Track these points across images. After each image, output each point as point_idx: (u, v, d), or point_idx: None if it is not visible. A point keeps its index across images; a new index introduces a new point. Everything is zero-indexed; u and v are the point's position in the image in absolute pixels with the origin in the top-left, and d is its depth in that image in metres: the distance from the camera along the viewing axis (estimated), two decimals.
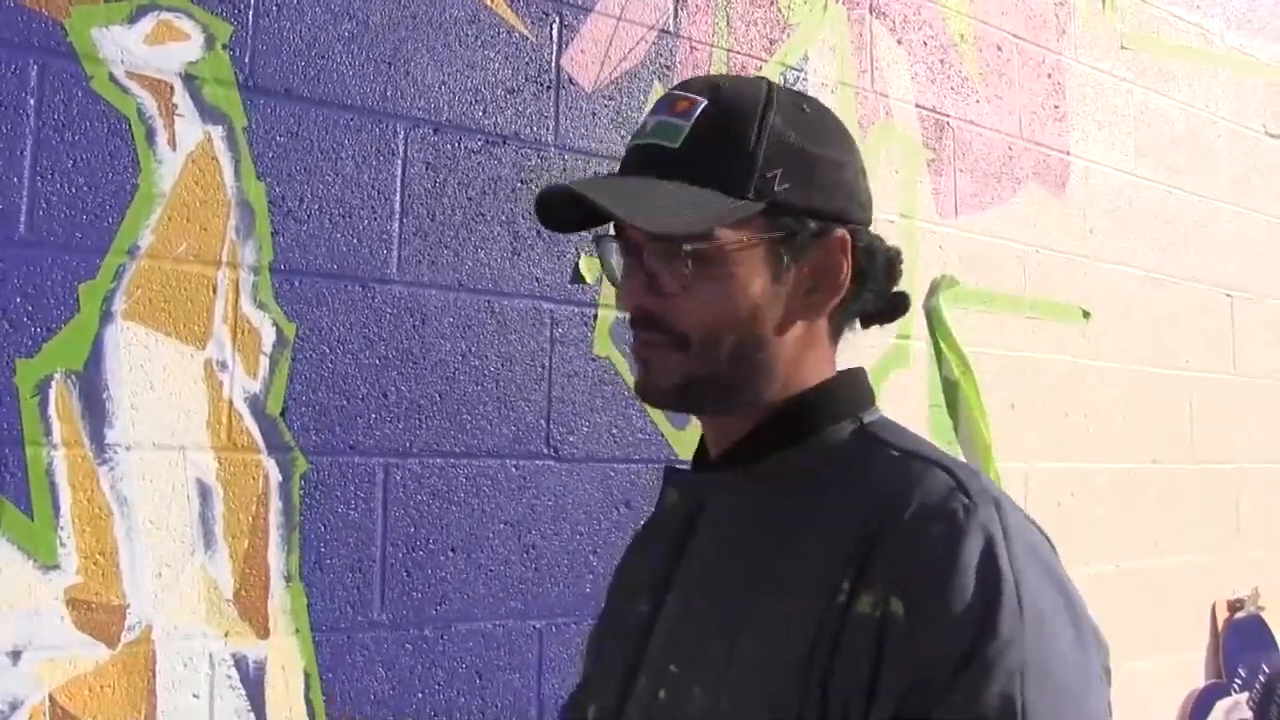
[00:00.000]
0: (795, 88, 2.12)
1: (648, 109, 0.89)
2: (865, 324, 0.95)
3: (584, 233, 0.94)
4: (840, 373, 0.91)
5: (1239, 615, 2.88)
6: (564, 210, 0.87)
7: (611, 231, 0.89)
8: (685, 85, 0.87)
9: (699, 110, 0.83)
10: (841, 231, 0.86)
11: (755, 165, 0.82)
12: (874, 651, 0.72)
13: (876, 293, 0.91)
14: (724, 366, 0.85)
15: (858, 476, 0.83)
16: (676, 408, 0.91)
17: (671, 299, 0.84)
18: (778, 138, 0.83)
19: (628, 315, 0.87)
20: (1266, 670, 2.92)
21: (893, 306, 0.94)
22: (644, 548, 0.98)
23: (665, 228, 0.80)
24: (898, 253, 0.92)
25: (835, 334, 0.91)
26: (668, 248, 0.83)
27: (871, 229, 0.91)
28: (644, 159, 0.84)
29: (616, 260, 0.89)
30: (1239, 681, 2.85)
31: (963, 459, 2.32)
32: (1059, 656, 0.72)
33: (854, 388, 0.91)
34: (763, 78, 0.91)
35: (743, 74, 2.05)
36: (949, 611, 0.71)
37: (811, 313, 0.87)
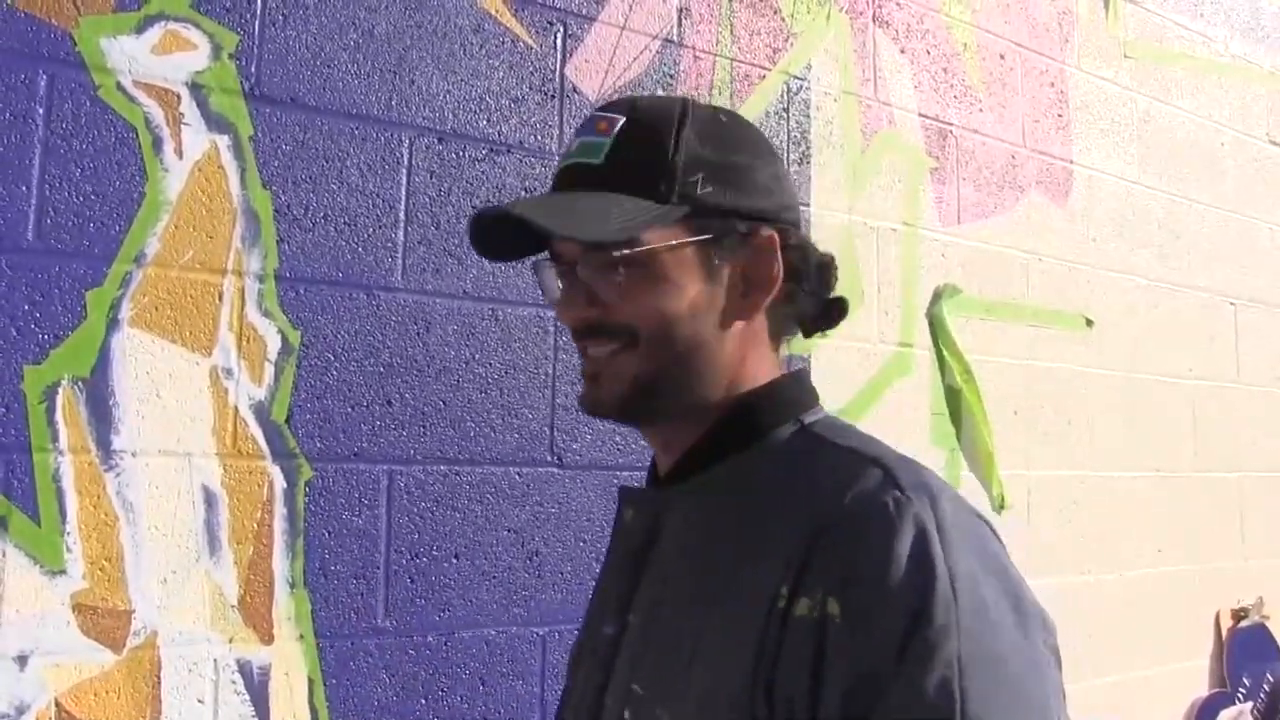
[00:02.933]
0: (798, 96, 2.13)
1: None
2: (806, 332, 0.97)
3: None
4: (782, 375, 0.92)
5: (1243, 624, 2.87)
6: (499, 236, 0.90)
7: (547, 256, 0.92)
8: (606, 106, 0.91)
9: (618, 127, 0.87)
10: (769, 231, 0.88)
11: (675, 171, 0.86)
12: (814, 653, 0.73)
13: (812, 295, 0.93)
14: (672, 365, 0.86)
15: (798, 479, 0.84)
16: (626, 415, 0.90)
17: (609, 308, 0.86)
18: (696, 145, 0.87)
19: (571, 332, 0.90)
20: (1271, 679, 2.91)
21: (830, 312, 0.96)
22: (609, 568, 0.99)
23: (592, 235, 0.83)
24: (831, 258, 0.95)
25: (776, 336, 0.93)
26: (601, 257, 0.85)
27: (837, 243, 0.93)
28: (570, 178, 0.88)
29: (554, 282, 0.91)
30: (1243, 690, 2.84)
31: (965, 463, 2.32)
32: (999, 642, 0.72)
33: (796, 389, 0.92)
34: (681, 96, 0.94)
35: (745, 83, 2.06)
36: (883, 606, 0.71)
37: (748, 312, 0.89)
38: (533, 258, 0.94)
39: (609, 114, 0.89)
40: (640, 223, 0.84)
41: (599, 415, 0.91)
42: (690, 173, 0.86)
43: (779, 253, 0.88)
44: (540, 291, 0.96)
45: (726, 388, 0.89)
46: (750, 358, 0.91)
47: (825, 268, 0.94)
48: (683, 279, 0.86)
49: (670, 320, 0.86)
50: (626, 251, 0.84)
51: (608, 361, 0.87)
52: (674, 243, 0.86)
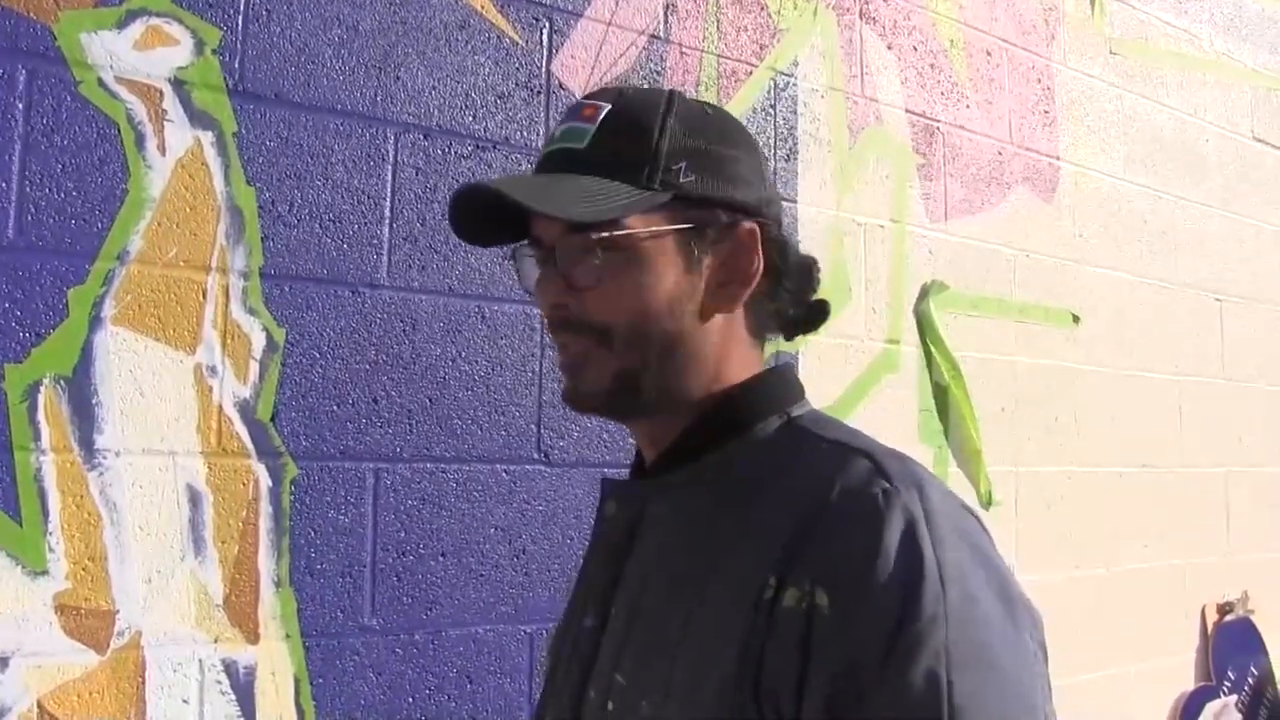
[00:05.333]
0: (785, 93, 2.13)
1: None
2: (787, 335, 0.97)
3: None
4: (766, 370, 0.92)
5: (1228, 618, 2.89)
6: (480, 218, 0.89)
7: (527, 243, 0.91)
8: (594, 94, 0.90)
9: (604, 113, 0.86)
10: (750, 224, 0.88)
11: (660, 158, 0.85)
12: (802, 644, 0.72)
13: (794, 295, 0.93)
14: (653, 362, 0.86)
15: (784, 471, 0.83)
16: (610, 411, 0.91)
17: (586, 294, 0.85)
18: (680, 134, 0.86)
19: (547, 323, 0.89)
20: (1255, 672, 2.93)
21: (812, 314, 0.96)
22: (590, 560, 0.99)
23: (570, 213, 0.82)
24: (813, 260, 0.95)
25: (758, 333, 0.92)
26: (580, 240, 0.84)
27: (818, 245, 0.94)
28: (554, 162, 0.87)
29: (532, 270, 0.90)
30: (1228, 684, 2.86)
31: (953, 459, 2.33)
32: (987, 633, 0.72)
33: (781, 383, 0.92)
34: (669, 88, 0.95)
35: (732, 79, 2.05)
36: (871, 597, 0.71)
37: (727, 305, 0.88)
38: (513, 245, 0.93)
39: (595, 101, 0.88)
40: (621, 205, 0.83)
41: (581, 409, 0.90)
42: (674, 160, 0.85)
43: (759, 246, 0.88)
44: (518, 277, 0.95)
45: (710, 381, 0.89)
46: (733, 352, 0.90)
47: (807, 269, 0.94)
48: (662, 267, 0.85)
49: (646, 313, 0.85)
50: (605, 234, 0.83)
51: (585, 356, 0.86)
52: (655, 229, 0.85)
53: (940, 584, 0.71)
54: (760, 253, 0.88)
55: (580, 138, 0.86)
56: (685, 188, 0.85)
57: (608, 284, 0.84)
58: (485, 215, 0.89)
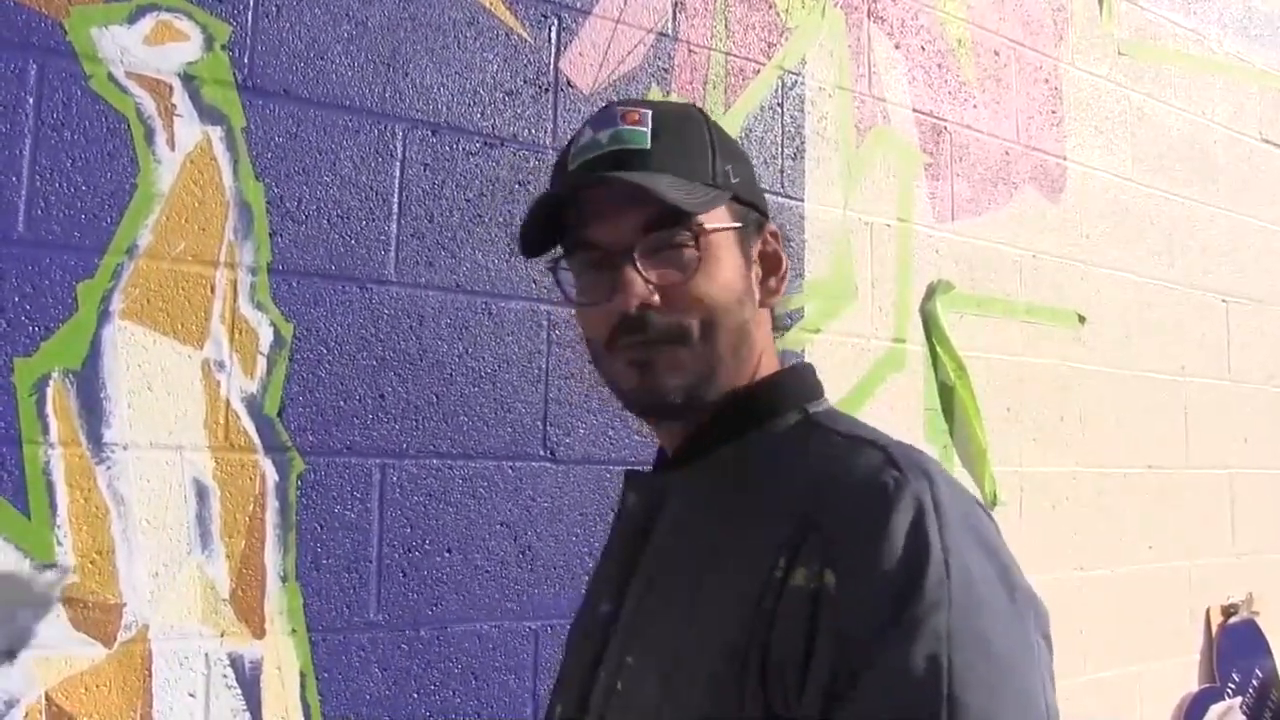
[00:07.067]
0: (793, 92, 2.13)
1: (582, 129, 0.91)
2: None
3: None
4: (790, 366, 0.95)
5: (1233, 620, 2.89)
6: (541, 227, 0.89)
7: (561, 255, 0.91)
8: (621, 104, 0.91)
9: (650, 118, 0.88)
10: (773, 225, 0.94)
11: (716, 160, 0.89)
12: (808, 622, 0.73)
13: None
14: (726, 357, 0.87)
15: (798, 460, 0.85)
16: (684, 409, 0.88)
17: (670, 290, 0.85)
18: (720, 141, 0.91)
19: (613, 325, 0.86)
20: (1260, 674, 2.93)
21: None
22: (609, 551, 1.01)
23: (685, 204, 0.83)
24: None
25: (774, 331, 0.96)
26: (664, 236, 0.85)
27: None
28: (617, 163, 0.86)
29: (581, 279, 0.90)
30: (1233, 686, 2.85)
31: (958, 459, 2.32)
32: (989, 622, 0.72)
33: (801, 381, 0.94)
34: (686, 101, 0.98)
35: (739, 78, 2.05)
36: (876, 578, 0.72)
37: (769, 299, 0.93)
38: (550, 258, 0.92)
39: (630, 108, 0.89)
40: (709, 200, 0.86)
41: (656, 408, 0.89)
42: (724, 162, 0.89)
43: (780, 245, 0.93)
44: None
45: (749, 376, 0.90)
46: (768, 349, 0.93)
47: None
48: (731, 263, 0.88)
49: (723, 307, 0.86)
50: (697, 227, 0.85)
51: (664, 353, 0.85)
52: (723, 225, 0.87)
53: (945, 569, 0.72)
54: (783, 251, 0.93)
55: (639, 140, 0.86)
56: (737, 188, 0.89)
57: (695, 278, 0.85)
58: (546, 220, 0.89)
